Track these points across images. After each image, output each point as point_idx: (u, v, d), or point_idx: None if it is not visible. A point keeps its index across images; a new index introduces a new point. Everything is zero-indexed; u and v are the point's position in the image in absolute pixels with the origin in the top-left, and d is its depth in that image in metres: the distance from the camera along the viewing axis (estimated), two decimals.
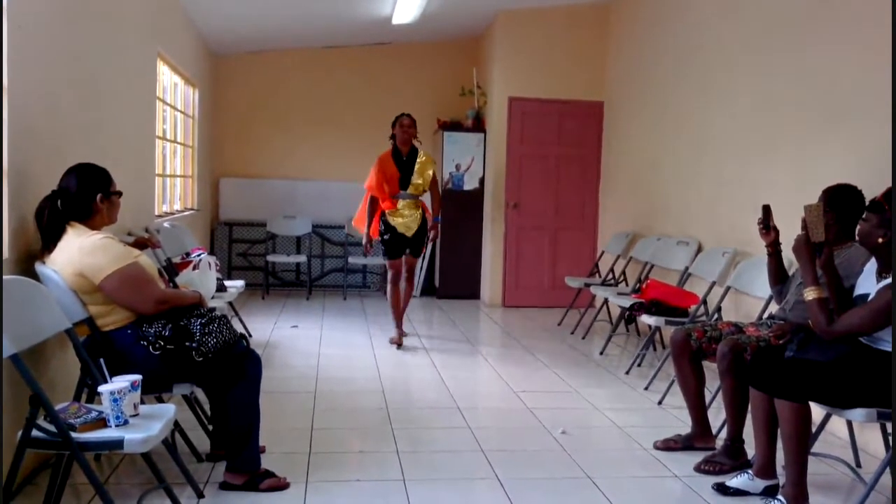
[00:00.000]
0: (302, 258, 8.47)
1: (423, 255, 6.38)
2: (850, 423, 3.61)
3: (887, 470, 3.12)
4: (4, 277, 2.42)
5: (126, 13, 4.76)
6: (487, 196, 8.25)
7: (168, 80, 6.66)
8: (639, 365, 5.45)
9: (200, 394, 3.40)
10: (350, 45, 8.91)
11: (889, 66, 3.69)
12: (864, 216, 3.05)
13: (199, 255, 5.29)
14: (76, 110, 3.76)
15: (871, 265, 3.08)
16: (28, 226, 3.01)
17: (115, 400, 2.53)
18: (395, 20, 7.56)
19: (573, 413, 4.38)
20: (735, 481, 3.22)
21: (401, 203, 6.01)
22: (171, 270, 4.57)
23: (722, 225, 5.39)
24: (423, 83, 8.90)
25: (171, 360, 2.93)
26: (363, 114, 8.87)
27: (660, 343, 6.04)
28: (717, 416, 3.93)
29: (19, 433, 2.42)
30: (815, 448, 3.31)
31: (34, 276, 2.86)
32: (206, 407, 3.56)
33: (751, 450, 3.35)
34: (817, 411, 3.04)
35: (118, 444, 2.45)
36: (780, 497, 2.97)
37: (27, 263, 2.98)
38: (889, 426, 3.22)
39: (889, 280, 2.86)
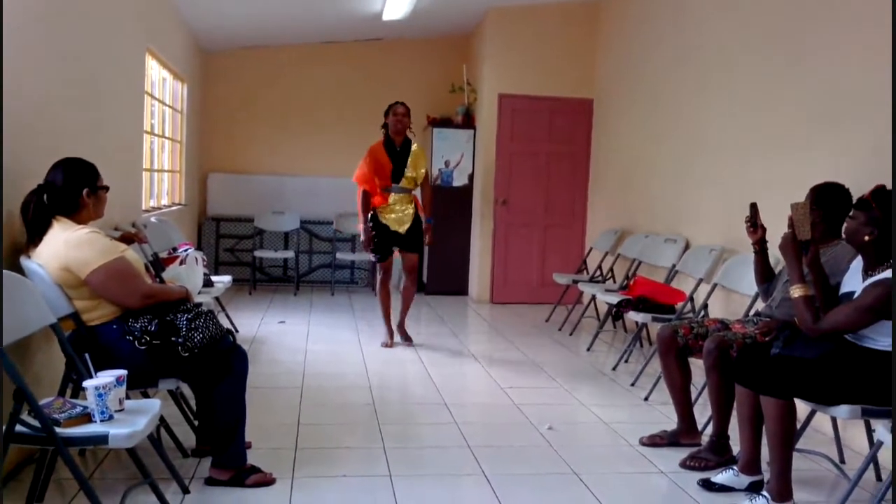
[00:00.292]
0: (290, 254, 8.45)
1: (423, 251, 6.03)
2: (834, 420, 3.63)
3: (871, 466, 3.15)
4: None
5: (114, 8, 4.73)
6: (476, 192, 8.26)
7: (157, 74, 6.62)
8: (626, 361, 5.47)
9: (186, 389, 3.39)
10: (340, 42, 8.88)
11: (879, 67, 3.72)
12: (850, 214, 3.07)
13: (186, 251, 5.29)
14: (64, 105, 3.74)
15: (858, 263, 3.10)
16: (14, 220, 2.99)
17: (100, 395, 2.52)
18: (386, 16, 7.54)
19: (560, 409, 4.39)
20: (720, 477, 3.24)
21: (392, 197, 5.71)
22: (157, 265, 4.56)
23: (709, 222, 5.41)
24: (413, 79, 8.88)
25: (157, 355, 2.91)
26: (352, 110, 8.84)
27: (647, 340, 6.06)
28: (702, 412, 3.94)
29: (3, 428, 2.41)
30: (800, 444, 3.32)
31: (19, 270, 2.84)
32: (192, 402, 3.55)
33: (736, 446, 3.37)
34: (802, 408, 3.06)
35: (103, 439, 2.44)
36: (764, 493, 2.99)
37: (12, 258, 2.96)
38: (873, 423, 3.24)
39: (875, 278, 2.88)
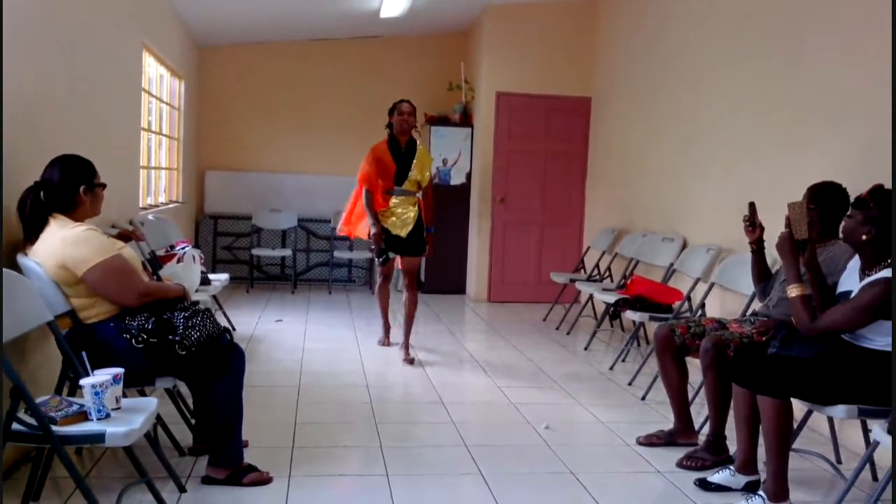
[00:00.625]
0: (287, 252, 8.44)
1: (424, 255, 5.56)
2: (831, 420, 3.63)
3: (867, 466, 3.15)
4: None
5: (111, 3, 4.72)
6: (474, 191, 8.25)
7: (154, 71, 6.61)
8: (623, 360, 5.47)
9: (183, 387, 3.39)
10: (338, 39, 8.87)
11: (877, 67, 3.72)
12: (848, 213, 3.08)
13: (183, 248, 5.29)
14: (61, 101, 3.73)
15: (855, 262, 3.10)
16: (10, 217, 2.98)
17: (96, 393, 2.52)
18: (384, 13, 7.53)
19: (557, 408, 4.39)
20: (717, 477, 3.24)
21: (394, 200, 5.33)
22: (155, 263, 4.55)
23: (706, 222, 5.41)
24: (410, 77, 8.87)
25: (154, 353, 2.91)
26: (350, 108, 8.83)
27: (644, 339, 6.06)
28: (699, 412, 3.95)
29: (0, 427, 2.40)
30: (797, 444, 3.32)
31: (16, 267, 2.83)
32: (189, 401, 3.55)
33: (733, 445, 3.37)
34: (799, 407, 3.06)
35: (100, 437, 2.44)
36: (761, 493, 2.99)
37: (9, 255, 2.95)
38: (869, 422, 3.24)
39: (873, 277, 2.88)
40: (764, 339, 3.40)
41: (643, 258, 6.02)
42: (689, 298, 4.99)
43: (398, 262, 5.47)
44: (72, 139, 3.75)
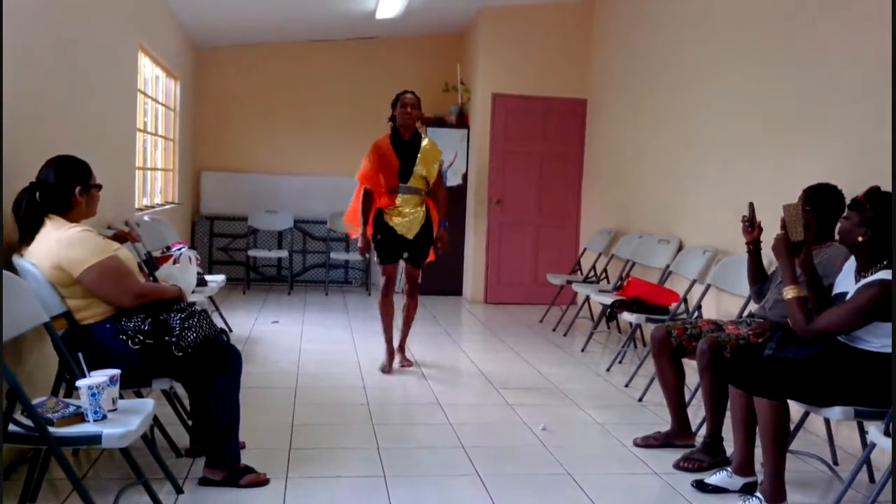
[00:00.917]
0: (283, 253, 8.43)
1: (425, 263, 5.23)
2: (827, 422, 3.64)
3: (864, 467, 3.15)
4: None
5: (107, 5, 4.71)
6: (470, 192, 8.26)
7: (149, 72, 6.60)
8: (619, 362, 5.47)
9: (180, 389, 3.38)
10: (334, 40, 8.86)
11: (876, 67, 3.73)
12: (844, 215, 3.09)
13: (179, 249, 5.27)
14: (56, 102, 3.72)
15: (850, 264, 3.11)
16: (6, 218, 2.97)
17: (93, 394, 2.51)
18: (379, 15, 7.53)
19: (554, 410, 4.39)
20: (714, 478, 3.24)
21: (400, 199, 4.96)
22: (151, 264, 4.54)
23: (703, 223, 5.42)
24: (406, 78, 8.77)
25: (151, 354, 2.90)
26: (346, 109, 8.83)
27: (640, 340, 6.07)
28: (696, 413, 3.95)
29: None
30: (794, 446, 3.34)
31: (12, 268, 2.82)
32: (186, 402, 3.54)
33: (730, 447, 3.37)
34: (795, 409, 3.06)
35: (96, 438, 2.43)
36: (758, 494, 3.00)
37: (5, 256, 2.94)
38: (866, 424, 3.25)
39: (868, 279, 2.89)
40: (760, 340, 3.41)
41: (639, 260, 6.03)
42: (685, 300, 5.00)
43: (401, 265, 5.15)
44: (67, 140, 3.74)
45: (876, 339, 2.90)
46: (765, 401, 2.91)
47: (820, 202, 3.41)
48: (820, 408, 2.95)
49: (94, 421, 2.51)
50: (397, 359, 5.23)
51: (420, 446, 3.74)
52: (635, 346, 5.96)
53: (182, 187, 7.95)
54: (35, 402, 2.49)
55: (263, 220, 8.53)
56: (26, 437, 2.41)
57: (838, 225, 3.15)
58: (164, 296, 3.06)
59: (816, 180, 3.51)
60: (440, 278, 8.37)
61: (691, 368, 3.77)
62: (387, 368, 5.09)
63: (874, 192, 2.96)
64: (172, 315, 2.97)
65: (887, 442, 2.64)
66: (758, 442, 3.05)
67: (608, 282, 6.62)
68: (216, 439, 3.07)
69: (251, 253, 8.33)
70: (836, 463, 3.60)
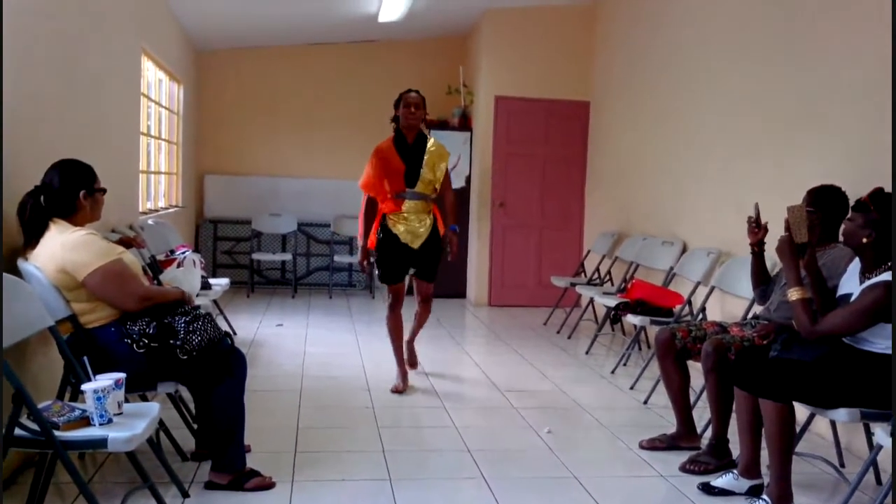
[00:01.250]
0: (287, 256, 8.44)
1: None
2: (833, 423, 3.63)
3: (870, 469, 3.14)
4: None
5: (109, 8, 4.72)
6: (473, 195, 8.25)
7: (153, 76, 6.61)
8: (624, 364, 5.46)
9: (185, 392, 3.37)
10: (337, 43, 8.88)
11: (878, 68, 3.73)
12: (849, 216, 3.08)
13: (183, 253, 5.27)
14: (61, 106, 3.73)
15: (855, 265, 3.10)
16: (10, 222, 2.98)
17: (98, 398, 2.51)
18: (382, 18, 7.54)
19: (559, 412, 4.39)
20: (720, 481, 3.23)
21: (406, 205, 4.65)
22: (155, 268, 4.54)
23: (707, 225, 5.41)
24: (408, 81, 8.68)
25: (156, 358, 2.91)
26: (349, 111, 8.84)
27: (645, 343, 6.06)
28: (701, 415, 3.94)
29: (2, 432, 2.39)
30: (800, 448, 3.33)
31: (17, 272, 2.83)
32: (191, 405, 3.54)
33: (735, 449, 3.37)
34: (801, 411, 3.06)
35: (102, 442, 2.43)
36: (764, 496, 2.99)
37: (9, 260, 2.95)
38: (872, 426, 3.24)
39: (873, 280, 2.88)
40: (765, 342, 3.40)
41: (643, 262, 6.02)
42: (689, 302, 4.99)
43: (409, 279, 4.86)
44: (71, 143, 3.74)
45: (881, 341, 2.89)
46: (770, 403, 2.91)
47: (824, 204, 3.41)
48: (825, 409, 2.94)
49: (100, 425, 2.51)
50: (408, 355, 4.99)
51: (425, 449, 3.74)
52: (640, 349, 5.95)
53: (186, 191, 7.96)
54: (41, 406, 2.50)
55: (267, 224, 8.53)
56: (32, 441, 2.41)
57: (842, 226, 3.14)
58: (167, 298, 3.07)
59: (818, 181, 3.50)
60: (444, 281, 8.32)
61: (696, 370, 3.77)
62: (400, 387, 4.71)
63: (878, 193, 2.96)
64: (177, 318, 2.98)
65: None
66: (764, 444, 3.04)
67: (612, 284, 6.62)
68: (221, 443, 3.07)
69: (255, 256, 8.33)
70: (842, 465, 3.58)
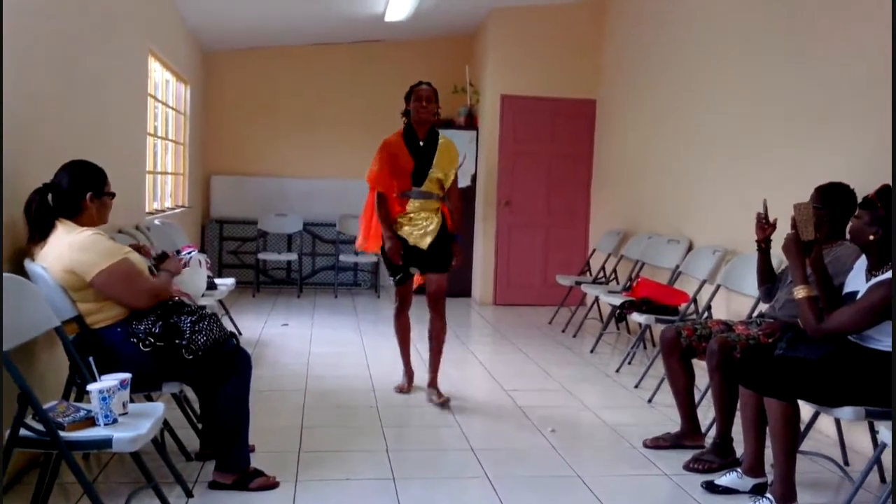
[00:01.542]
0: (293, 256, 8.46)
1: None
2: (838, 422, 3.62)
3: (875, 468, 3.13)
4: None
5: (117, 10, 4.73)
6: (479, 194, 8.25)
7: (160, 76, 6.63)
8: (629, 363, 5.46)
9: (190, 392, 3.39)
10: (343, 43, 8.88)
11: (882, 64, 3.71)
12: (856, 213, 3.07)
13: (189, 253, 5.27)
14: (68, 107, 3.75)
15: (861, 263, 3.09)
16: (17, 223, 2.99)
17: (103, 398, 2.52)
18: (388, 17, 7.54)
19: (563, 411, 4.38)
20: (724, 479, 3.23)
21: (412, 205, 4.41)
22: (163, 258, 4.54)
23: (712, 223, 5.40)
24: (415, 80, 8.71)
25: (161, 357, 2.92)
26: (355, 111, 8.84)
27: (650, 341, 6.05)
28: (706, 414, 3.94)
29: (7, 432, 2.41)
30: (804, 446, 3.32)
31: (23, 272, 2.84)
32: (196, 405, 3.55)
33: (740, 448, 3.36)
34: (806, 409, 3.05)
35: (107, 443, 2.44)
36: (768, 495, 2.98)
37: (16, 260, 2.96)
38: (877, 424, 3.23)
39: (879, 278, 2.87)
40: (770, 340, 3.40)
41: (649, 260, 6.01)
42: (695, 300, 4.98)
43: (418, 278, 4.64)
44: (78, 144, 3.76)
45: (887, 339, 2.88)
46: (775, 401, 2.90)
47: (832, 201, 3.40)
48: (830, 408, 2.93)
49: (105, 425, 2.52)
50: (429, 395, 4.53)
51: (429, 448, 3.74)
52: (645, 347, 5.95)
53: (192, 191, 7.98)
54: (46, 406, 2.51)
55: (273, 224, 8.54)
56: (37, 442, 2.42)
57: (849, 224, 3.13)
58: (168, 286, 3.11)
59: (827, 179, 3.49)
60: (449, 280, 8.35)
61: (701, 369, 3.76)
62: (405, 388, 4.65)
63: (885, 190, 2.94)
64: (182, 318, 2.99)
65: None
66: (768, 442, 3.04)
67: (617, 283, 6.61)
68: (226, 442, 3.08)
69: (261, 256, 8.35)
70: (846, 463, 3.58)
